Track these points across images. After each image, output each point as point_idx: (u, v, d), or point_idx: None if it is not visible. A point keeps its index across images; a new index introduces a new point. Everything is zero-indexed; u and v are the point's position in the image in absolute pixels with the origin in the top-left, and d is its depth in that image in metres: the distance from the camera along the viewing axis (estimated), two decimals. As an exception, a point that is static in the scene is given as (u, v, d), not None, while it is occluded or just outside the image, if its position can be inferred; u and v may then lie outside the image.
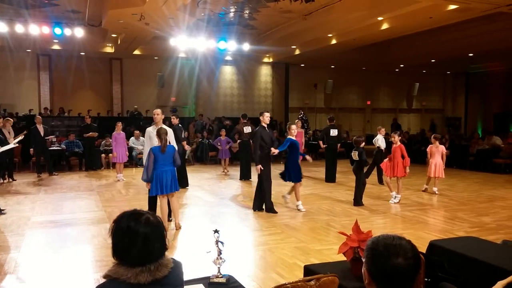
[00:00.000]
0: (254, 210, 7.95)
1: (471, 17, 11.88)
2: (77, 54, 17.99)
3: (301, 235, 6.41)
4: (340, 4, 11.96)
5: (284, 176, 8.04)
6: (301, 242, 6.03)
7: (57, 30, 14.12)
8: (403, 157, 8.84)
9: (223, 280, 3.03)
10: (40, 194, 9.70)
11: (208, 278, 3.07)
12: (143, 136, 14.64)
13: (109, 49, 18.07)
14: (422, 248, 4.33)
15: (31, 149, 12.38)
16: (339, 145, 11.99)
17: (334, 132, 11.60)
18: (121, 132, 12.43)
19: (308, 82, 22.41)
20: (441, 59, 19.51)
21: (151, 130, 7.22)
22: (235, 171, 12.83)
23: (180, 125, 10.32)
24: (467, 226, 6.96)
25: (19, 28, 13.90)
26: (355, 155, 8.37)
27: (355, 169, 8.54)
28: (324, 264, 3.92)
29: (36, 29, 13.95)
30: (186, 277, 2.09)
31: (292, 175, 7.87)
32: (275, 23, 15.33)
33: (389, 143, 10.52)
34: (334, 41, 15.57)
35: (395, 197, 8.84)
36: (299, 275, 4.29)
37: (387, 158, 9.16)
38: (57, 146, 14.08)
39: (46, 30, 14.05)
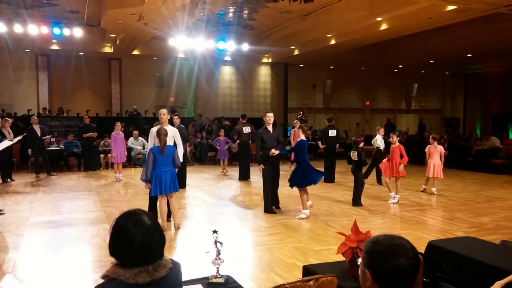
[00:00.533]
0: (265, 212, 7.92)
1: (470, 17, 11.89)
2: (76, 54, 17.97)
3: (300, 235, 6.41)
4: (339, 5, 11.98)
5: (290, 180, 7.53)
6: (300, 242, 6.03)
7: (56, 30, 14.10)
8: (401, 156, 8.86)
9: (221, 280, 3.03)
10: (38, 194, 9.69)
11: (207, 278, 3.06)
12: (142, 136, 14.77)
13: (108, 49, 18.05)
14: (421, 248, 4.33)
15: (29, 150, 12.36)
16: (338, 145, 12.01)
17: (333, 133, 11.61)
18: (120, 132, 12.42)
19: (307, 83, 22.41)
20: (440, 59, 19.53)
21: (155, 130, 7.16)
22: (234, 172, 12.83)
23: (182, 125, 10.30)
24: (466, 226, 6.97)
25: (17, 28, 13.89)
26: (354, 155, 8.37)
27: (353, 169, 8.54)
28: (323, 264, 3.92)
29: (34, 29, 13.94)
30: (184, 278, 2.08)
31: (296, 179, 7.35)
32: (274, 24, 15.34)
33: (388, 143, 10.53)
34: (333, 42, 15.58)
35: (394, 197, 8.85)
36: (298, 275, 4.29)
37: (386, 159, 9.17)
38: (56, 146, 14.07)
39: (44, 30, 14.04)
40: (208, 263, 3.34)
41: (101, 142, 14.44)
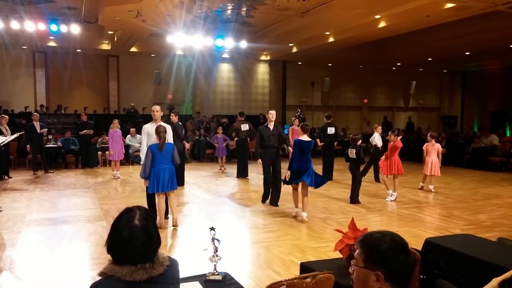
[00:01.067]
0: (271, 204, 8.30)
1: (468, 15, 11.89)
2: (73, 51, 17.91)
3: (297, 232, 6.42)
4: (337, 2, 11.96)
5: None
6: (297, 239, 6.04)
7: (53, 27, 14.03)
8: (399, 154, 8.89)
9: (219, 277, 3.03)
10: (36, 192, 9.68)
11: (204, 275, 3.07)
12: (140, 134, 14.72)
13: (105, 46, 18.00)
14: (418, 245, 4.34)
15: (28, 146, 12.33)
16: (336, 143, 12.02)
17: (331, 130, 11.62)
18: (118, 129, 12.40)
19: (305, 80, 22.38)
20: (438, 57, 19.53)
21: (148, 127, 7.14)
22: (232, 169, 12.84)
23: (180, 123, 10.28)
24: (463, 223, 6.99)
25: (14, 25, 13.81)
26: (352, 153, 8.38)
27: (351, 167, 8.55)
28: (320, 262, 3.94)
29: (32, 26, 13.86)
30: (182, 275, 2.08)
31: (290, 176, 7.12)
32: (272, 21, 15.30)
33: (385, 141, 10.55)
34: (331, 39, 15.57)
35: (392, 194, 8.87)
36: (296, 272, 4.30)
37: (384, 156, 9.19)
38: (53, 144, 14.04)
39: (42, 26, 13.97)
40: (205, 260, 3.34)
41: (99, 140, 14.42)
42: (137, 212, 1.82)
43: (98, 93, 20.18)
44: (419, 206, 8.37)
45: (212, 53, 18.65)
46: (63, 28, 14.28)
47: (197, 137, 16.20)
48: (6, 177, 11.48)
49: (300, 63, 21.62)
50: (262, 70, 21.79)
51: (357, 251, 1.62)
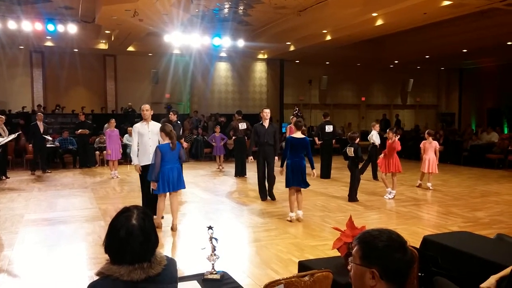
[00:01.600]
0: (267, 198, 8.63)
1: (465, 13, 11.91)
2: (70, 50, 17.87)
3: (295, 231, 6.42)
4: (334, 0, 11.97)
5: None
6: (295, 238, 6.04)
7: (50, 27, 14.00)
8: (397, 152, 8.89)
9: (217, 276, 3.03)
10: (33, 192, 9.66)
11: (202, 274, 3.06)
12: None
13: (102, 45, 17.96)
14: (416, 243, 4.34)
15: (30, 145, 12.26)
16: (334, 141, 12.04)
17: (329, 128, 11.63)
18: (115, 129, 12.37)
19: (303, 78, 22.40)
20: (435, 55, 19.56)
21: (139, 127, 7.03)
22: (230, 168, 12.83)
23: (179, 121, 10.25)
24: (461, 221, 7.00)
25: (11, 25, 13.78)
26: (350, 151, 8.38)
27: (350, 165, 8.55)
28: (318, 260, 3.93)
29: (28, 26, 13.83)
30: (180, 274, 2.08)
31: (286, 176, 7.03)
32: (269, 19, 15.30)
33: (383, 139, 10.55)
34: (328, 37, 15.57)
35: (390, 192, 8.87)
36: (294, 271, 4.29)
37: (382, 154, 9.19)
38: (51, 144, 14.01)
39: (39, 26, 13.93)
40: (203, 259, 3.34)
41: (96, 139, 14.39)
42: (135, 212, 1.82)
43: (95, 92, 20.15)
44: (417, 204, 8.38)
45: (209, 52, 18.63)
46: (60, 28, 14.26)
47: (195, 136, 16.18)
48: (3, 177, 11.44)
49: (297, 61, 21.62)
50: (260, 69, 21.79)
51: (354, 248, 1.62)
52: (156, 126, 6.93)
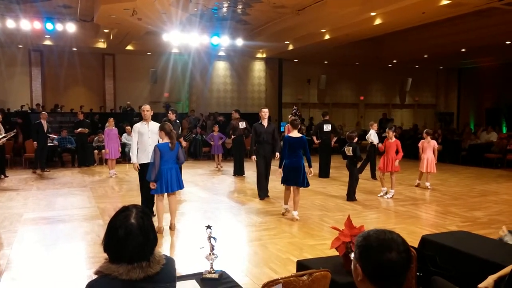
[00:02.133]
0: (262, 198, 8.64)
1: (463, 12, 11.92)
2: (69, 49, 17.84)
3: (294, 230, 6.43)
4: (333, -1, 11.97)
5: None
6: (294, 237, 6.05)
7: (49, 26, 13.97)
8: (397, 152, 8.88)
9: (215, 275, 3.03)
10: (32, 191, 9.65)
11: (201, 273, 3.07)
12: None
13: (101, 44, 17.93)
14: (414, 242, 4.35)
15: (35, 143, 12.21)
16: (335, 138, 12.07)
17: (327, 127, 11.63)
18: (114, 128, 12.36)
19: (302, 78, 22.39)
20: (434, 54, 19.57)
21: (139, 126, 7.08)
22: (229, 167, 12.83)
23: (177, 121, 10.24)
24: (459, 220, 7.01)
25: (10, 23, 13.75)
26: (348, 150, 8.39)
27: (348, 164, 8.56)
28: (317, 259, 3.94)
29: (27, 24, 13.80)
30: (178, 273, 2.08)
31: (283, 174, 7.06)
32: (268, 18, 15.29)
33: (382, 138, 10.56)
34: (327, 37, 15.56)
35: (387, 192, 8.89)
36: (292, 270, 4.30)
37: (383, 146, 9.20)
38: (50, 142, 13.99)
39: (37, 25, 13.90)
40: (202, 259, 3.34)
41: (95, 138, 14.39)
42: (134, 211, 1.82)
43: (94, 91, 20.13)
44: (416, 203, 8.39)
45: (208, 51, 18.62)
46: (59, 27, 14.24)
47: (194, 135, 16.18)
48: (2, 176, 11.43)
49: (296, 60, 21.61)
50: (258, 68, 21.77)
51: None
52: (155, 126, 6.94)
